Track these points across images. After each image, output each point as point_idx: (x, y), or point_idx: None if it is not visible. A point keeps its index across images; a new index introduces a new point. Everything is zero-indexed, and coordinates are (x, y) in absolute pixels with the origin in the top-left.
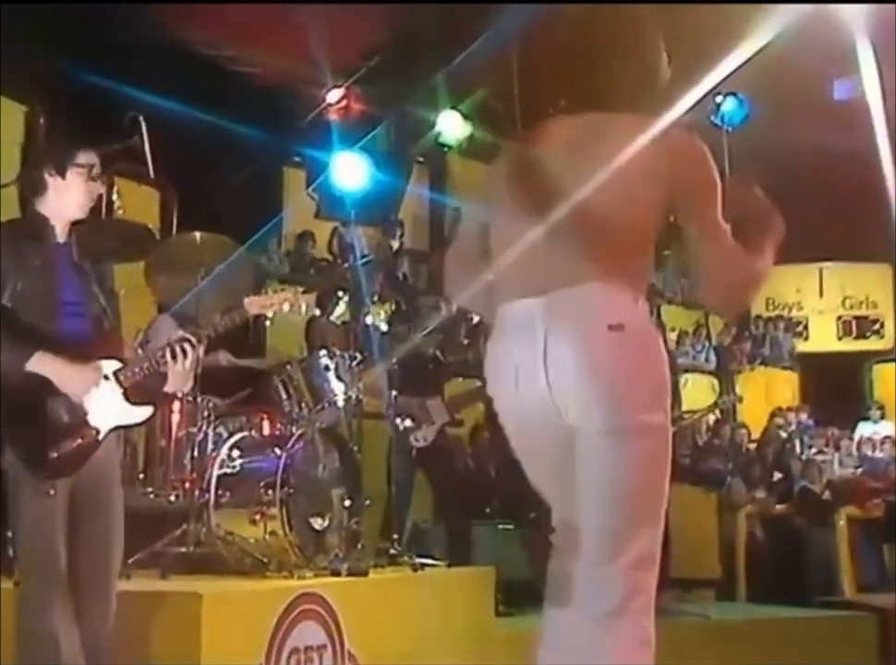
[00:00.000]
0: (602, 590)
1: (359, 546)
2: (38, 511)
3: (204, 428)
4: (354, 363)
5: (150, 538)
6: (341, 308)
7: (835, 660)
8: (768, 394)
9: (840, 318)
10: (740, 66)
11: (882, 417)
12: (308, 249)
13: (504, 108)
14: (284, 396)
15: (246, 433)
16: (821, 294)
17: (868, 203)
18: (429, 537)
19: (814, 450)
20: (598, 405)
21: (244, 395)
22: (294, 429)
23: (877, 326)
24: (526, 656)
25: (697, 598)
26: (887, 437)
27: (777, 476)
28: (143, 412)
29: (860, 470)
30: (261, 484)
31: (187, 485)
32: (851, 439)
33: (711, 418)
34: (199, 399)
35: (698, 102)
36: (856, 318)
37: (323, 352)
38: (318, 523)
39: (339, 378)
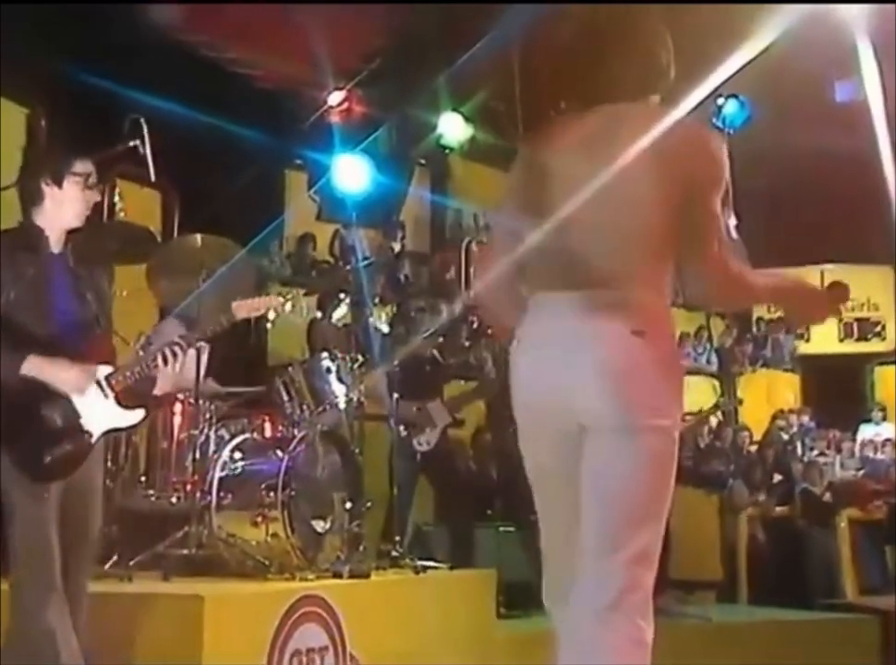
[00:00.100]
0: (601, 583)
1: (361, 548)
2: (32, 513)
3: (206, 430)
4: (355, 365)
5: (151, 540)
6: (342, 311)
7: (837, 663)
8: (769, 396)
9: (841, 320)
10: (741, 68)
11: (884, 419)
12: (310, 252)
13: (506, 110)
14: (286, 398)
15: (247, 435)
16: None
17: (870, 205)
18: (431, 539)
19: (815, 452)
20: (612, 405)
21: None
22: (295, 432)
23: (878, 328)
24: (528, 657)
25: (699, 600)
26: (888, 439)
27: (778, 478)
28: (135, 415)
29: (861, 472)
30: (263, 486)
31: (189, 487)
32: (852, 441)
33: (713, 421)
34: (200, 401)
35: (700, 104)
36: (858, 320)
37: (325, 354)
38: (319, 525)
39: (340, 380)
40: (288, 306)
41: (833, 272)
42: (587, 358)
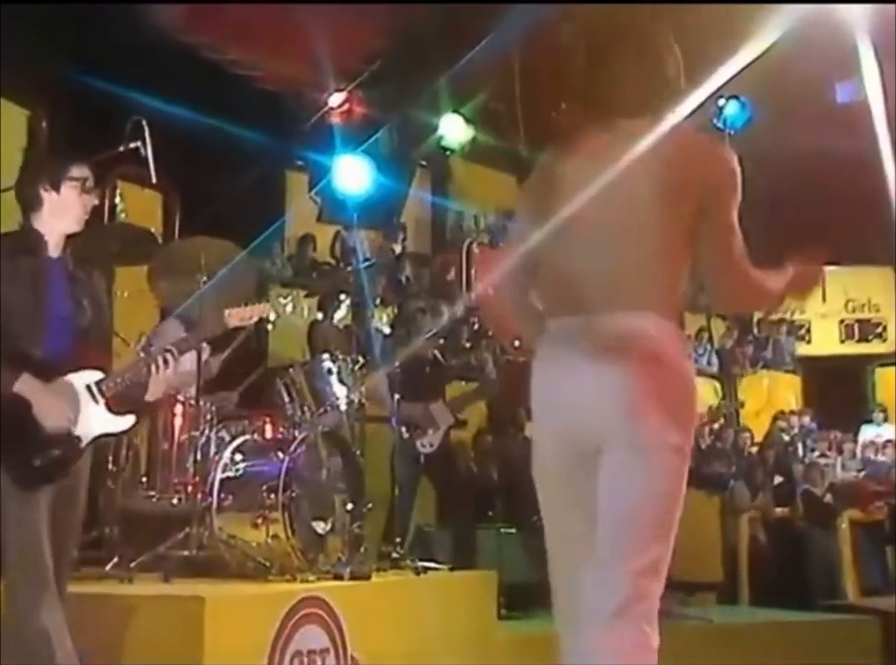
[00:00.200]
0: (609, 591)
1: (362, 549)
2: (22, 515)
3: (207, 431)
4: (356, 366)
5: (152, 541)
6: (343, 312)
7: (838, 664)
8: (770, 398)
9: (842, 321)
10: (742, 70)
11: (885, 421)
12: (310, 253)
13: (507, 111)
14: (287, 400)
15: (248, 437)
16: (824, 297)
17: (871, 206)
18: (432, 540)
19: (816, 453)
20: (627, 426)
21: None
22: (296, 433)
23: (879, 329)
24: (528, 659)
25: (700, 602)
26: (889, 440)
27: (779, 479)
28: (125, 421)
29: (863, 473)
30: (264, 488)
31: (190, 488)
32: (853, 442)
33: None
34: (201, 402)
35: (701, 105)
36: (859, 321)
37: (326, 355)
38: (320, 526)
39: (341, 381)
40: (289, 307)
41: (834, 273)
42: (602, 382)
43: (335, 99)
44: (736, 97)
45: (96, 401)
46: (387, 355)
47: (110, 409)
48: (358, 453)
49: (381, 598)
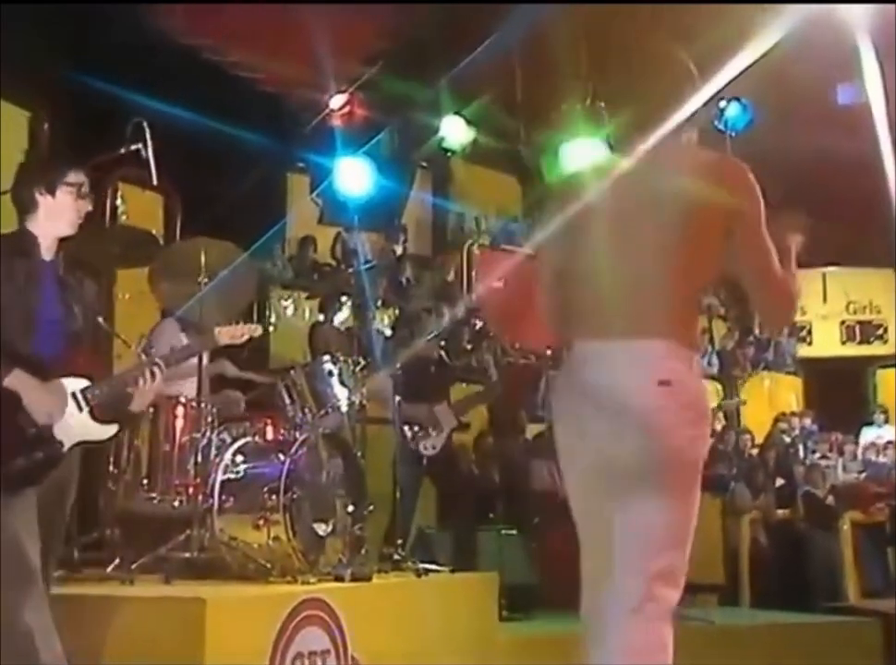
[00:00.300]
0: (627, 593)
1: (363, 551)
2: (8, 515)
3: (208, 433)
4: (357, 368)
5: (153, 543)
6: (344, 314)
7: None
8: (771, 399)
9: (843, 322)
10: (743, 71)
11: (886, 422)
12: (311, 255)
13: (508, 113)
14: (288, 401)
15: (249, 439)
16: (825, 298)
17: (872, 208)
18: (434, 542)
19: (817, 455)
20: (642, 451)
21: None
22: (297, 435)
23: (880, 331)
24: (529, 660)
25: (701, 604)
26: (890, 442)
27: (780, 481)
28: (108, 430)
29: (864, 475)
30: (265, 489)
31: (191, 490)
32: (854, 443)
33: (717, 425)
34: (202, 404)
35: (702, 106)
36: (860, 322)
37: (327, 357)
38: (321, 528)
39: (342, 383)
40: (290, 309)
41: (835, 274)
42: (617, 409)
43: (336, 101)
44: (737, 99)
45: (80, 408)
46: (388, 356)
47: (94, 417)
48: (359, 454)
49: (383, 600)
